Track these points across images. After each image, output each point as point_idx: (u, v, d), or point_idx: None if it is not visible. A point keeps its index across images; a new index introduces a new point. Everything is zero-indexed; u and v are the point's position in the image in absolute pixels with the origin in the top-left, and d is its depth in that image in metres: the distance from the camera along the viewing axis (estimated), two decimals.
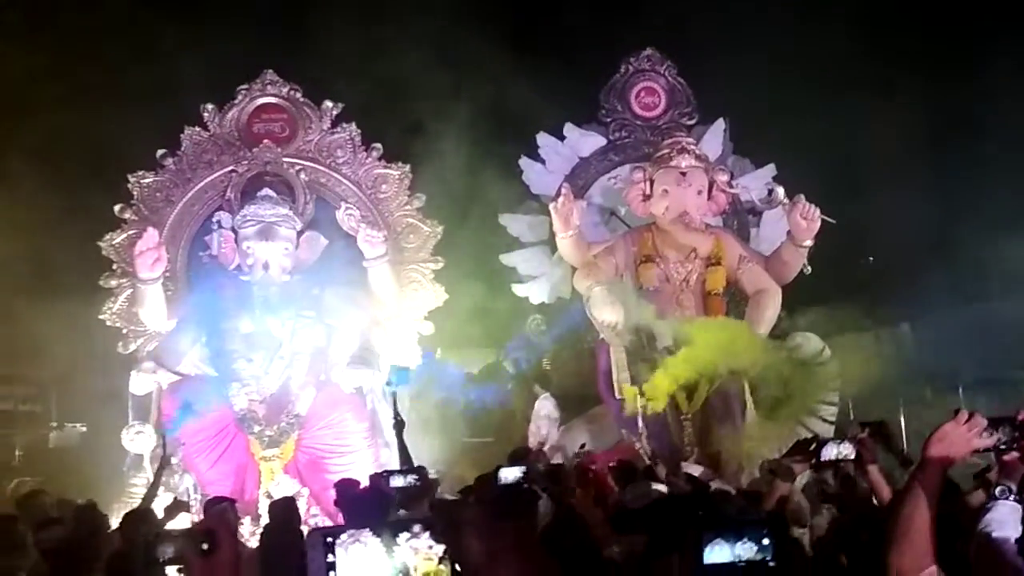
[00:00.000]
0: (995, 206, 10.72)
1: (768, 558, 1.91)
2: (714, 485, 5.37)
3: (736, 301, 9.84)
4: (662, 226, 9.67)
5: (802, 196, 9.30)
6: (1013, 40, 10.74)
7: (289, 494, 7.16)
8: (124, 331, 9.45)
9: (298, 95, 10.13)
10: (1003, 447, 2.14)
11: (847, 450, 3.13)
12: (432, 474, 6.07)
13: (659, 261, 9.55)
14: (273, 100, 10.07)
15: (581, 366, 10.21)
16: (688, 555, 2.00)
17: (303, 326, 8.87)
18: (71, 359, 9.69)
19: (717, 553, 1.91)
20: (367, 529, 2.32)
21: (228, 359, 8.59)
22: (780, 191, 9.51)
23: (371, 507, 3.68)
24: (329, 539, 2.31)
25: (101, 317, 9.42)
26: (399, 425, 6.07)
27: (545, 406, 9.57)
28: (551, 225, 9.80)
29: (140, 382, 8.22)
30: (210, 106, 10.01)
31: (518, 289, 10.78)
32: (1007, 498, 2.42)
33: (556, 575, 2.69)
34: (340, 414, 8.44)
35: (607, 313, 9.12)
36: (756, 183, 10.47)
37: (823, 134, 11.14)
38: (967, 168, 11.47)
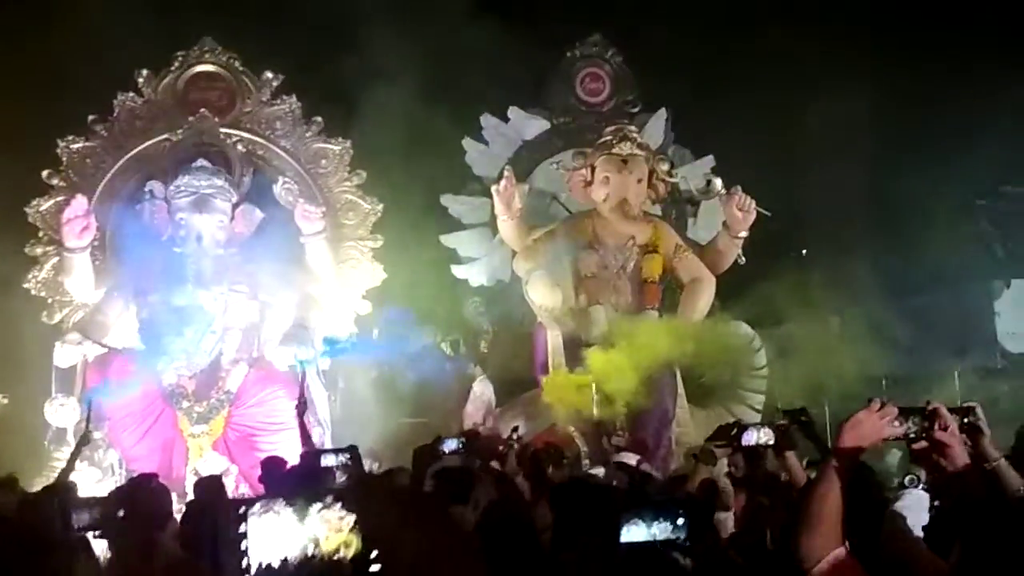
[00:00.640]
0: (927, 200, 11.02)
1: (683, 538, 1.96)
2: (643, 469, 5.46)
3: (672, 289, 9.97)
4: (602, 213, 9.73)
5: (739, 188, 9.46)
6: (948, 32, 11.00)
7: (217, 472, 7.06)
8: (49, 301, 9.16)
9: (237, 64, 9.90)
10: (912, 436, 2.21)
11: (767, 436, 3.20)
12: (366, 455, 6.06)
13: (598, 247, 9.62)
14: (211, 68, 9.84)
15: (519, 349, 10.25)
16: (605, 534, 2.03)
17: (236, 301, 8.73)
18: (11, 330, 9.35)
19: (633, 532, 1.95)
20: (281, 499, 2.31)
21: (158, 332, 8.39)
22: (718, 182, 9.67)
23: (296, 486, 3.64)
24: (242, 509, 2.28)
25: (26, 286, 9.11)
26: (301, 406, 5.99)
27: (481, 389, 9.59)
28: (493, 207, 9.82)
29: (65, 354, 8.00)
30: (145, 72, 9.72)
31: (458, 271, 10.76)
32: (915, 487, 2.51)
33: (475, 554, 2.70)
34: (272, 391, 8.34)
35: (545, 297, 9.18)
36: (695, 173, 10.59)
37: (763, 126, 11.31)
38: (903, 163, 11.76)
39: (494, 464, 4.31)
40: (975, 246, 11.33)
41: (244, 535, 2.23)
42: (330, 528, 2.30)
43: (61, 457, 7.76)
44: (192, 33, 9.93)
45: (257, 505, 2.22)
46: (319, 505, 2.32)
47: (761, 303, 10.83)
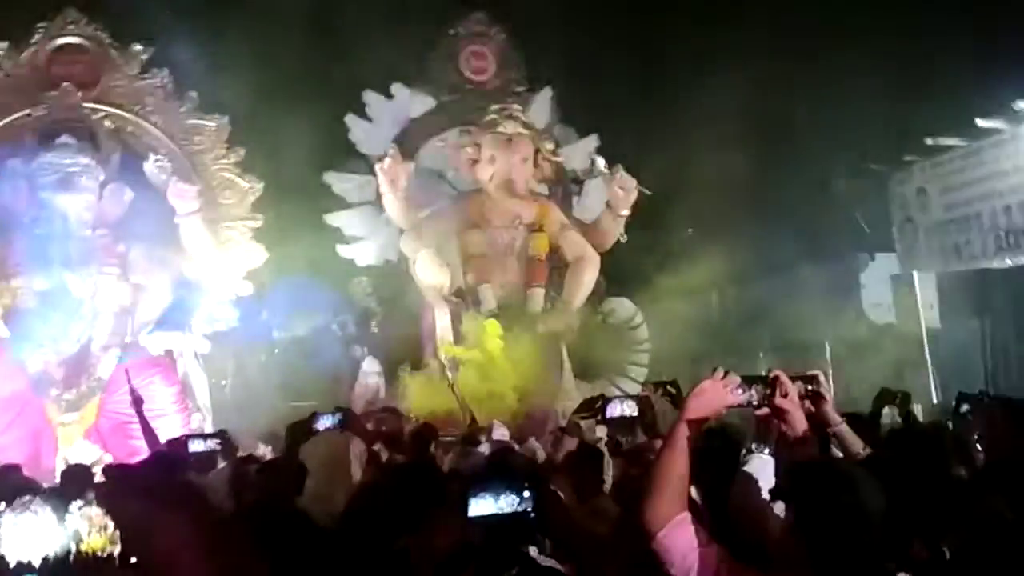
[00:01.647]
0: (808, 172, 11.47)
1: (528, 509, 2.00)
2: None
3: (557, 267, 10.10)
4: (489, 192, 9.76)
5: (620, 167, 9.65)
6: (819, 14, 11.39)
7: (88, 461, 6.76)
8: None
9: (103, 36, 9.41)
10: (755, 404, 2.32)
11: (630, 408, 3.29)
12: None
13: (484, 226, 9.65)
14: (75, 40, 9.31)
15: (408, 329, 10.19)
16: (454, 507, 2.05)
17: (106, 284, 8.35)
18: None
19: (481, 505, 1.97)
20: (38, 496, 2.22)
21: (22, 317, 7.95)
22: (600, 161, 9.85)
23: (158, 473, 3.53)
24: None
25: None
26: (136, 403, 5.79)
27: (370, 364, 9.49)
28: (379, 186, 9.70)
29: None
30: (4, 44, 9.12)
31: (343, 250, 10.58)
32: (761, 452, 2.63)
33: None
34: (148, 377, 8.01)
35: (433, 276, 9.16)
36: (579, 153, 10.74)
37: (647, 105, 11.53)
38: (784, 138, 12.15)
39: (376, 447, 4.27)
40: (842, 222, 11.88)
41: None
42: (92, 525, 2.23)
43: None
44: (54, 3, 9.36)
45: (13, 504, 2.11)
46: (80, 503, 2.24)
47: (644, 280, 11.15)
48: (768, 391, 2.35)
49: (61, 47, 9.25)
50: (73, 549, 2.17)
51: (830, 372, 11.78)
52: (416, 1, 11.05)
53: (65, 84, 9.01)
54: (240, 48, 9.85)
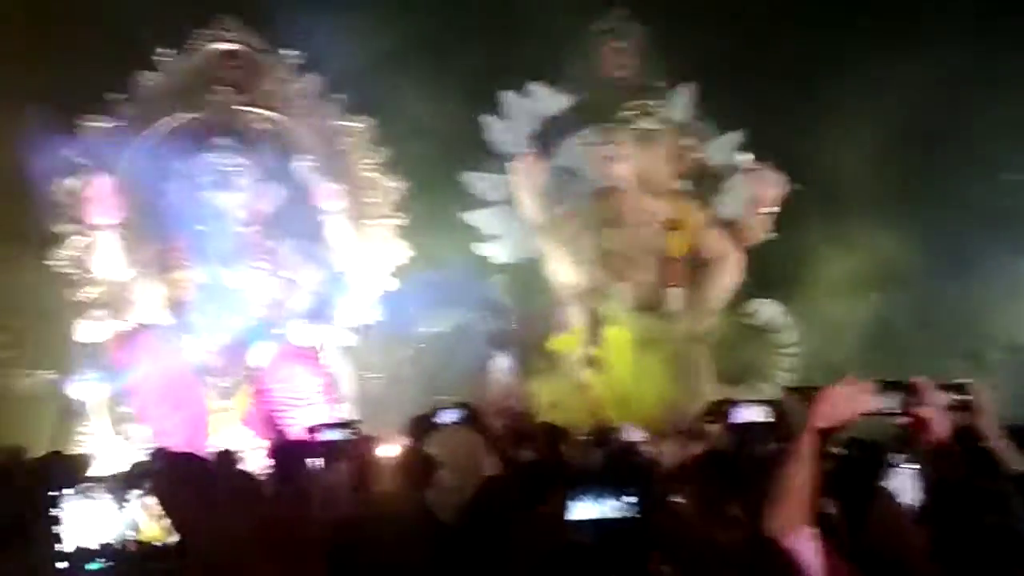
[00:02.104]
0: (981, 166, 10.64)
1: (633, 515, 1.90)
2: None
3: (697, 266, 9.81)
4: (625, 189, 9.60)
5: (767, 162, 9.27)
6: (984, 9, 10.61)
7: (242, 446, 7.11)
8: (76, 278, 9.27)
9: (259, 42, 9.90)
10: (893, 413, 2.12)
11: (761, 413, 3.08)
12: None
13: (621, 224, 9.50)
14: (232, 47, 9.83)
15: (543, 327, 10.18)
16: (555, 510, 1.98)
17: (258, 278, 8.77)
18: (44, 307, 9.49)
19: (582, 508, 1.89)
20: (100, 485, 2.25)
21: (183, 309, 8.48)
22: (744, 157, 9.48)
23: (290, 459, 3.64)
24: (54, 494, 2.19)
25: (53, 264, 9.24)
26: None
27: (503, 361, 9.55)
28: (514, 184, 9.73)
29: (88, 330, 8.09)
30: (168, 51, 9.75)
31: (480, 248, 10.69)
32: (905, 467, 2.43)
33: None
34: (296, 368, 8.38)
35: (567, 275, 9.10)
36: (722, 148, 10.41)
37: (793, 99, 11.03)
38: (954, 131, 11.34)
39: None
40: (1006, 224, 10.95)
41: (56, 520, 2.15)
42: (149, 515, 2.25)
43: (84, 431, 7.91)
44: (214, 12, 9.93)
45: (73, 491, 2.15)
46: (138, 492, 2.27)
47: (793, 280, 10.65)
48: (909, 398, 2.15)
49: (220, 53, 9.78)
50: (129, 537, 2.23)
51: (999, 380, 10.93)
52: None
53: (223, 88, 9.52)
54: (384, 51, 10.15)
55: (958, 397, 2.41)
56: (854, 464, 3.44)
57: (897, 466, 3.04)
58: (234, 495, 3.03)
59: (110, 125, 9.51)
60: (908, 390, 2.15)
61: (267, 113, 9.76)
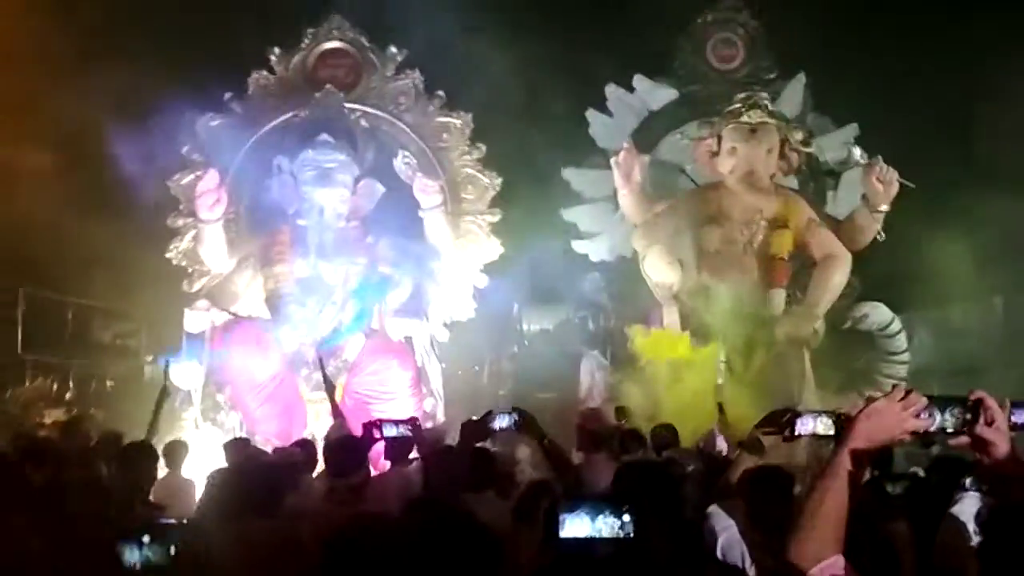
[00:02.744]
0: None
1: (628, 534, 1.74)
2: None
3: (805, 267, 9.37)
4: (728, 185, 9.25)
5: (879, 158, 8.74)
6: None
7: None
8: (189, 270, 9.71)
9: (363, 40, 10.08)
10: (949, 431, 1.89)
11: (825, 425, 2.82)
12: None
13: (722, 222, 9.15)
14: (339, 45, 10.06)
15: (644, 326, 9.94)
16: (545, 527, 1.84)
17: (356, 273, 8.91)
18: (163, 297, 9.97)
19: (575, 527, 1.75)
20: None
21: (282, 302, 8.71)
22: (857, 152, 8.98)
23: (350, 455, 3.64)
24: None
25: (167, 256, 9.69)
26: (329, 389, 5.95)
27: (590, 367, 9.39)
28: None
29: (193, 320, 8.42)
30: (277, 50, 10.07)
31: (578, 245, 10.56)
32: (975, 490, 2.18)
33: None
34: (386, 361, 8.47)
35: (662, 273, 8.85)
36: (834, 143, 9.90)
37: (910, 93, 10.38)
38: None
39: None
40: None
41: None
42: None
43: (188, 418, 8.25)
44: (321, 10, 10.18)
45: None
46: None
47: (907, 283, 10.03)
48: (968, 416, 1.91)
49: (326, 51, 10.02)
50: None
51: None
52: None
53: (328, 86, 9.74)
54: (486, 47, 10.14)
55: None
56: (930, 485, 3.17)
57: (967, 490, 2.75)
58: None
59: (223, 122, 9.88)
60: (967, 407, 1.92)
61: (370, 110, 9.92)
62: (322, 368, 6.21)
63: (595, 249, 10.47)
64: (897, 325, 8.84)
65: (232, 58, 10.10)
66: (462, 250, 9.68)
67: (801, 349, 8.58)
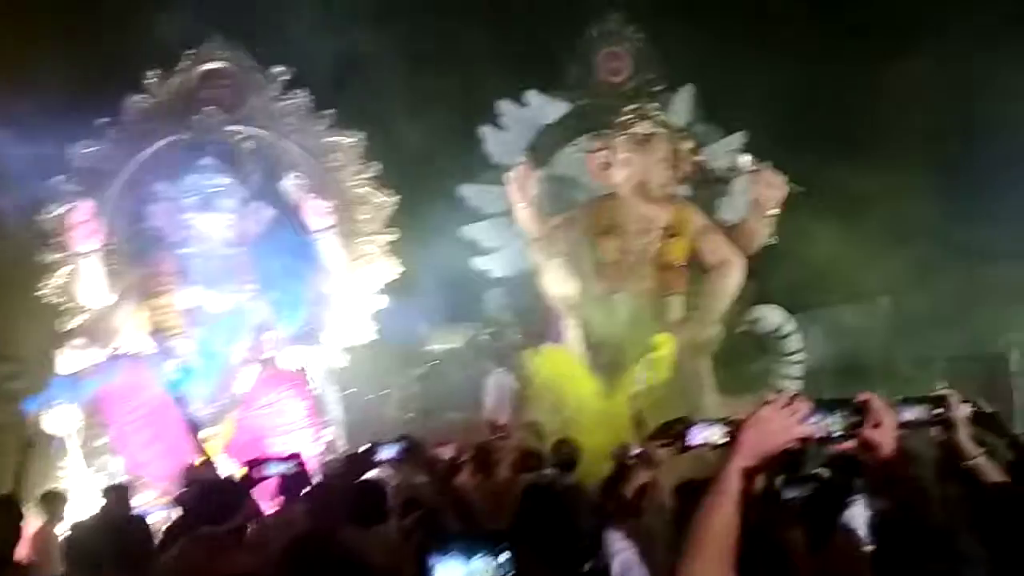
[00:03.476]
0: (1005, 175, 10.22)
1: (507, 574, 1.59)
2: None
3: (699, 273, 9.47)
4: (622, 195, 9.30)
5: (768, 163, 8.93)
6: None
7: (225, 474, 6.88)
8: (62, 308, 9.13)
9: (245, 60, 9.75)
10: (837, 436, 1.81)
11: (716, 434, 2.73)
12: None
13: (618, 232, 9.19)
14: (220, 65, 9.70)
15: (544, 341, 9.88)
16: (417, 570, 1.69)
17: (246, 300, 8.55)
18: (46, 336, 9.35)
19: (447, 570, 1.59)
20: None
21: (166, 335, 8.28)
22: (745, 158, 9.14)
23: (226, 498, 3.37)
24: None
25: (39, 293, 9.11)
26: (192, 427, 5.64)
27: (498, 383, 9.26)
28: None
29: (69, 360, 7.92)
30: (155, 72, 9.64)
31: (478, 262, 10.44)
32: (864, 493, 2.11)
33: None
34: (281, 392, 8.15)
35: (562, 286, 8.80)
36: (723, 151, 10.08)
37: (797, 100, 10.69)
38: (955, 133, 10.94)
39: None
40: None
41: None
42: None
43: (64, 466, 7.72)
44: (201, 30, 9.79)
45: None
46: None
47: (800, 286, 10.27)
48: (856, 418, 1.84)
49: (208, 72, 9.65)
50: None
51: (1015, 387, 10.46)
52: (548, 6, 10.79)
53: (209, 108, 9.37)
54: (372, 64, 9.96)
55: (937, 412, 2.16)
56: (826, 490, 3.13)
57: (857, 496, 2.72)
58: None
59: (98, 149, 9.39)
60: (854, 409, 1.85)
61: (255, 131, 9.59)
62: (182, 408, 5.85)
63: (496, 265, 10.37)
64: (790, 326, 9.01)
65: (106, 82, 9.60)
66: (359, 272, 9.42)
67: (700, 354, 8.65)
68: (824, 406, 1.82)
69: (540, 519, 2.34)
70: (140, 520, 3.65)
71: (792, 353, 8.95)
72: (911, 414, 2.33)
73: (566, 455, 5.13)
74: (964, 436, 2.22)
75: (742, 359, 8.69)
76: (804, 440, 1.79)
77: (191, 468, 5.16)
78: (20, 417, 10.24)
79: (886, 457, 1.82)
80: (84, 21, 9.88)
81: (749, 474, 1.74)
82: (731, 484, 1.71)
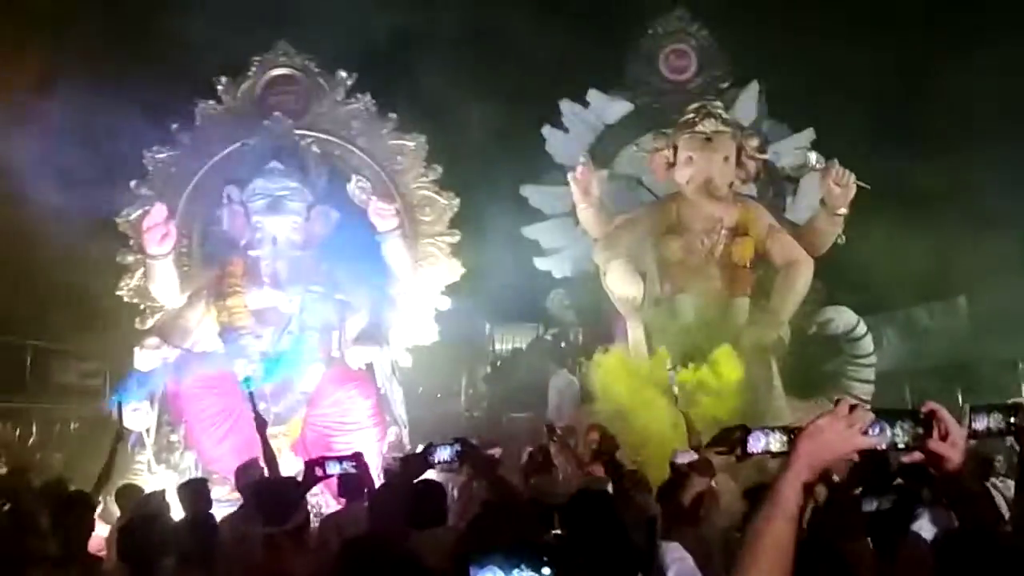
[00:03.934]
0: None
1: None
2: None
3: (767, 273, 9.29)
4: (687, 195, 9.17)
5: (835, 161, 8.69)
6: None
7: (292, 472, 7.00)
8: (142, 307, 9.45)
9: (312, 65, 9.92)
10: (901, 446, 1.74)
11: (777, 442, 2.65)
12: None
13: (682, 232, 9.06)
14: (287, 71, 9.89)
15: (606, 342, 9.81)
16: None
17: (312, 301, 8.69)
18: (123, 335, 9.69)
19: None
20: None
21: (236, 335, 8.47)
22: (813, 156, 8.91)
23: (283, 499, 3.42)
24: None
25: (118, 293, 9.43)
26: (260, 426, 5.71)
27: (560, 384, 9.23)
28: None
29: (144, 358, 8.15)
30: (224, 79, 9.88)
31: (540, 263, 10.42)
32: (933, 504, 2.03)
33: None
34: (347, 391, 8.24)
35: (624, 286, 8.72)
36: (790, 149, 9.87)
37: (864, 96, 10.42)
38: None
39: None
40: None
41: None
42: None
43: (142, 460, 7.96)
44: (267, 38, 10.01)
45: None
46: None
47: (872, 286, 10.00)
48: (920, 430, 1.76)
49: (274, 78, 9.84)
50: None
51: None
52: (611, 3, 10.74)
53: (276, 113, 9.56)
54: (437, 67, 10.04)
55: (1012, 421, 2.06)
56: (896, 501, 3.01)
57: (927, 504, 2.62)
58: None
59: (170, 154, 9.67)
60: (919, 420, 1.78)
61: (321, 135, 9.74)
62: (252, 405, 5.97)
63: (558, 266, 10.34)
64: (863, 328, 8.77)
65: (178, 88, 9.90)
66: (422, 273, 9.50)
67: (767, 356, 8.47)
68: (887, 416, 1.75)
69: (588, 527, 2.31)
70: (206, 517, 3.74)
71: (864, 355, 8.70)
72: (982, 423, 2.24)
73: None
74: None
75: (813, 362, 8.47)
76: (864, 452, 1.73)
77: (244, 467, 5.25)
78: (100, 413, 10.69)
79: (954, 470, 1.74)
80: (157, 28, 10.21)
81: (806, 486, 1.69)
82: (786, 496, 1.66)
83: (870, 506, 2.97)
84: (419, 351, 9.63)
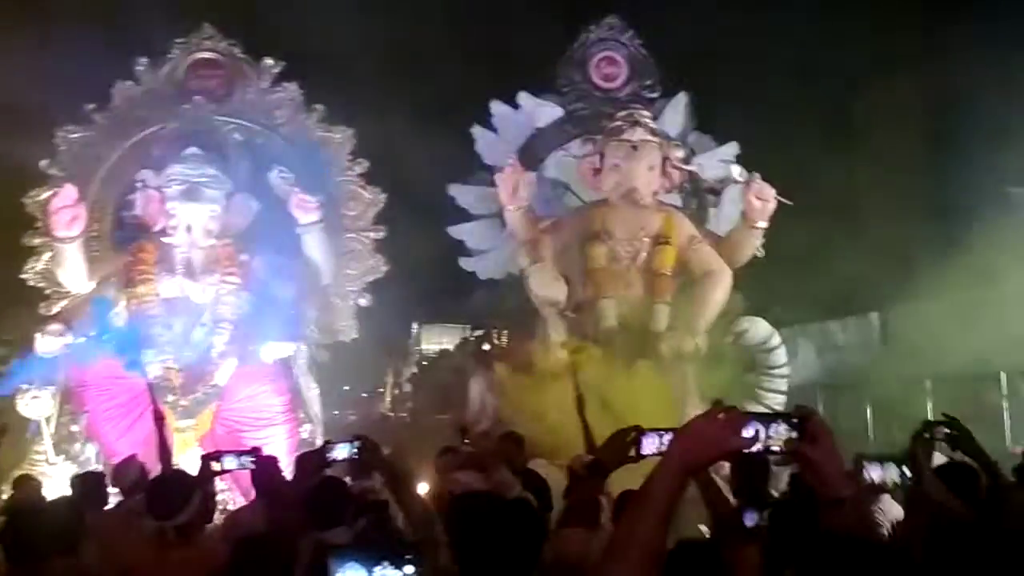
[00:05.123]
0: (964, 190, 10.25)
1: None
2: None
3: (687, 283, 9.41)
4: (612, 202, 9.23)
5: (757, 175, 8.86)
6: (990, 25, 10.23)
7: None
8: (47, 291, 9.06)
9: (237, 51, 9.68)
10: (775, 449, 1.74)
11: (668, 443, 2.64)
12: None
13: (606, 238, 9.11)
14: (211, 55, 9.62)
15: (529, 345, 9.81)
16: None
17: (227, 293, 8.47)
18: (33, 320, 9.27)
19: None
20: None
21: (145, 324, 8.19)
22: (735, 169, 9.08)
23: (173, 493, 3.29)
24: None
25: (23, 276, 9.03)
26: (157, 419, 5.55)
27: (478, 381, 9.18)
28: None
29: (46, 344, 7.82)
30: (144, 60, 9.56)
31: (465, 263, 10.36)
32: None
33: None
34: (259, 386, 8.07)
35: (548, 290, 8.73)
36: (714, 161, 10.03)
37: (791, 112, 10.67)
38: (940, 152, 10.98)
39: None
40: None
41: None
42: None
43: (40, 450, 7.64)
44: (191, 20, 9.74)
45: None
46: None
47: (788, 299, 10.23)
48: (794, 434, 1.77)
49: (197, 62, 9.57)
50: None
51: (1005, 407, 10.43)
52: (544, 8, 10.77)
53: (198, 97, 9.29)
54: (367, 59, 9.91)
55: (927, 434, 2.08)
56: (785, 510, 3.05)
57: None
58: None
59: (84, 135, 9.31)
60: (792, 424, 1.78)
61: (244, 123, 9.51)
62: (151, 396, 5.77)
63: (483, 267, 10.28)
64: (776, 340, 8.95)
65: (94, 68, 9.52)
66: (344, 268, 9.35)
67: (684, 364, 8.57)
68: (761, 419, 1.75)
69: (466, 529, 2.28)
70: (74, 506, 3.58)
71: (778, 367, 8.88)
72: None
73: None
74: (929, 476, 2.14)
75: (728, 371, 8.59)
76: (737, 453, 1.73)
77: (122, 464, 5.06)
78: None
79: (831, 476, 1.76)
80: (76, 6, 9.84)
81: (679, 485, 1.69)
82: (656, 496, 1.66)
83: (751, 521, 2.99)
84: (340, 348, 9.48)
